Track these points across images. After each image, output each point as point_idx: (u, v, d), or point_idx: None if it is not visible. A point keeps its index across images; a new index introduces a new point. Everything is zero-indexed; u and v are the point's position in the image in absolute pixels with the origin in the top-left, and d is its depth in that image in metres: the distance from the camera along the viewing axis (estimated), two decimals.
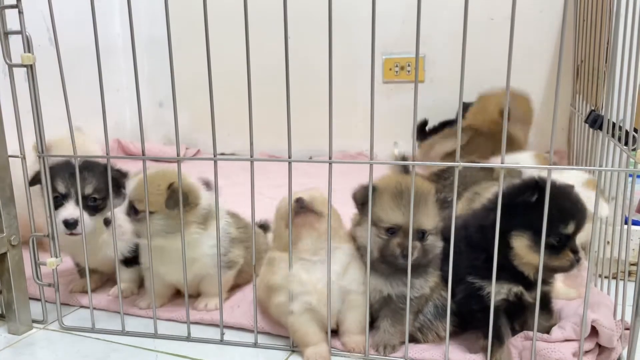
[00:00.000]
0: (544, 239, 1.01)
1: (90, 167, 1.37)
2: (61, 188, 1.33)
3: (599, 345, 1.10)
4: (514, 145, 2.14)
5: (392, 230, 1.12)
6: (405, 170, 1.28)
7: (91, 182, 1.35)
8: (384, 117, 2.46)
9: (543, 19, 2.60)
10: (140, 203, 1.23)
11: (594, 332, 1.08)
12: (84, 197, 1.32)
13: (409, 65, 2.91)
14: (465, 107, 2.52)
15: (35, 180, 1.31)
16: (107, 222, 1.25)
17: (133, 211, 1.25)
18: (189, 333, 1.24)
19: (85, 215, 1.32)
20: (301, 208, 1.13)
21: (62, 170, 1.35)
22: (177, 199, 1.19)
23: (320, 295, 1.13)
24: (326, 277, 1.12)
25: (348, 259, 1.17)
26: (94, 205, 1.36)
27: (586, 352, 1.07)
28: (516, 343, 1.10)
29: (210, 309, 1.34)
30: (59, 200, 1.33)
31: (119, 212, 1.25)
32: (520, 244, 1.07)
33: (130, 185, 1.26)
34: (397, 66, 2.92)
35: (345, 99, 2.74)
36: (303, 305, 1.14)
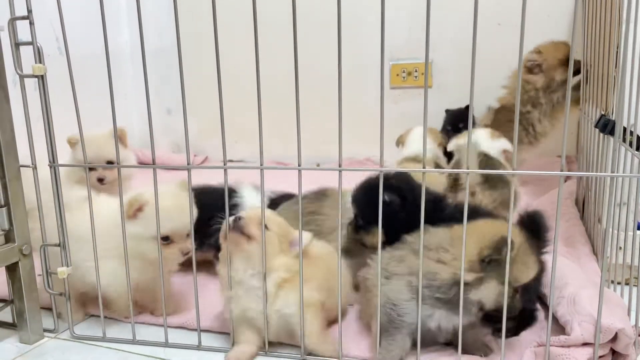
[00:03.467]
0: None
1: None
2: None
3: (612, 351, 1.09)
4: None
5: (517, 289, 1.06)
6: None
7: None
8: (391, 123, 2.44)
9: (551, 24, 2.59)
10: None
11: (613, 338, 1.06)
12: None
13: (416, 71, 2.91)
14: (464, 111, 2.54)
15: None
16: None
17: None
18: (199, 342, 1.24)
19: None
20: (232, 228, 1.17)
21: None
22: None
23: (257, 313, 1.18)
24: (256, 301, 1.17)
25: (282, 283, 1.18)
26: None
27: (600, 356, 1.06)
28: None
29: None
30: None
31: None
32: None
33: None
34: (404, 72, 2.92)
35: (352, 105, 2.73)
36: (240, 311, 1.19)
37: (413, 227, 1.14)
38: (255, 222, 1.17)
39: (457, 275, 1.04)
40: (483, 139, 1.92)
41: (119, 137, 1.79)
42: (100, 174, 1.76)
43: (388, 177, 1.20)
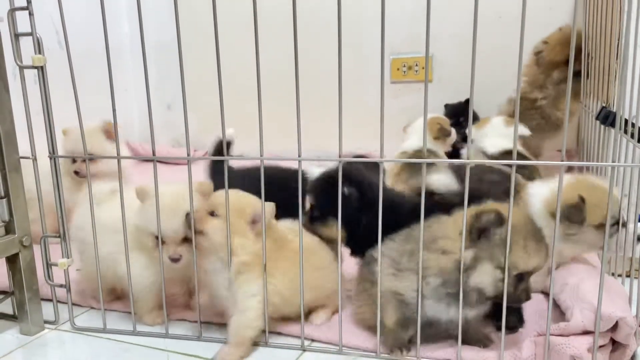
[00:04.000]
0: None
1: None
2: None
3: (612, 341, 1.09)
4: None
5: (520, 276, 1.06)
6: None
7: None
8: (392, 117, 2.44)
9: (552, 16, 2.58)
10: None
11: (613, 327, 1.06)
12: None
13: (416, 65, 2.91)
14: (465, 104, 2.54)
15: None
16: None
17: None
18: (200, 333, 1.24)
19: None
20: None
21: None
22: None
23: None
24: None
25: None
26: None
27: (600, 346, 1.06)
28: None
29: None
30: None
31: None
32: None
33: None
34: (404, 66, 2.92)
35: (352, 99, 2.73)
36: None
37: (370, 221, 1.13)
38: (205, 213, 1.17)
39: (459, 261, 1.04)
40: (500, 126, 2.04)
41: (106, 131, 1.80)
42: (77, 167, 1.76)
43: (348, 172, 1.18)
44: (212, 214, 1.17)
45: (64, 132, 1.75)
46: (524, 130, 1.97)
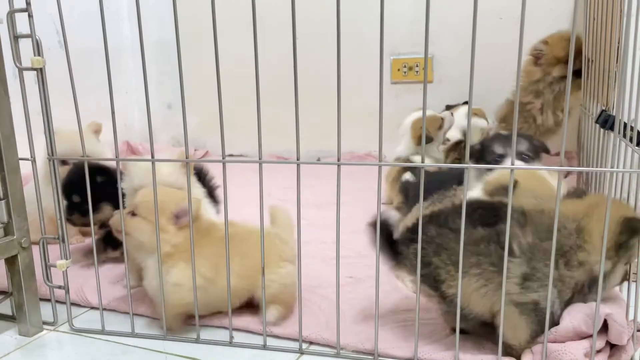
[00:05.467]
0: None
1: None
2: None
3: (610, 346, 1.09)
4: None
5: None
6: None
7: None
8: (392, 117, 2.45)
9: (553, 17, 2.58)
10: None
11: (605, 328, 1.06)
12: None
13: (417, 66, 2.90)
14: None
15: None
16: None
17: None
18: (198, 335, 1.24)
19: None
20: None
21: None
22: None
23: None
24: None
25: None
26: None
27: (597, 351, 1.06)
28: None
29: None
30: None
31: None
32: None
33: None
34: (405, 67, 2.92)
35: (353, 100, 2.74)
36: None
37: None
38: (126, 214, 1.26)
39: (594, 271, 1.03)
40: (462, 117, 2.19)
41: (94, 131, 1.79)
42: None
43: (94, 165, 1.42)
44: (132, 213, 1.25)
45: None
46: (479, 122, 2.03)
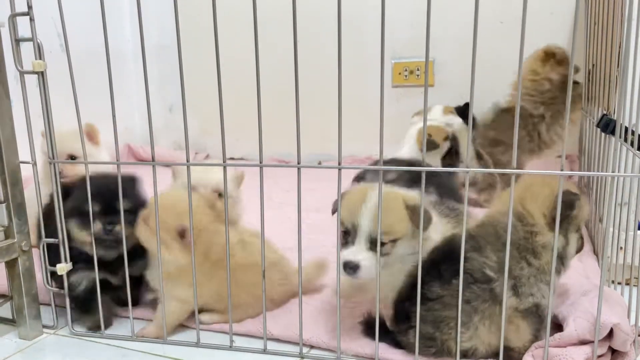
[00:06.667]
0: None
1: None
2: None
3: (611, 351, 1.09)
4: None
5: None
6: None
7: None
8: (393, 121, 2.46)
9: (553, 22, 2.58)
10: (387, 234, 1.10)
11: (609, 335, 1.06)
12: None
13: (418, 70, 2.91)
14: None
15: None
16: None
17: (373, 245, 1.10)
18: (198, 339, 1.24)
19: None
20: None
21: None
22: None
23: None
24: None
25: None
26: None
27: (599, 356, 1.06)
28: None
29: None
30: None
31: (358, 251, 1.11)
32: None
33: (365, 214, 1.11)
34: (406, 70, 2.92)
35: (354, 103, 2.74)
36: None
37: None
38: (140, 221, 1.24)
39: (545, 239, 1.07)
40: (437, 114, 2.25)
41: (87, 134, 1.77)
42: (60, 168, 1.73)
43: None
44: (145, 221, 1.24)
45: (42, 134, 1.71)
46: (454, 120, 2.07)
